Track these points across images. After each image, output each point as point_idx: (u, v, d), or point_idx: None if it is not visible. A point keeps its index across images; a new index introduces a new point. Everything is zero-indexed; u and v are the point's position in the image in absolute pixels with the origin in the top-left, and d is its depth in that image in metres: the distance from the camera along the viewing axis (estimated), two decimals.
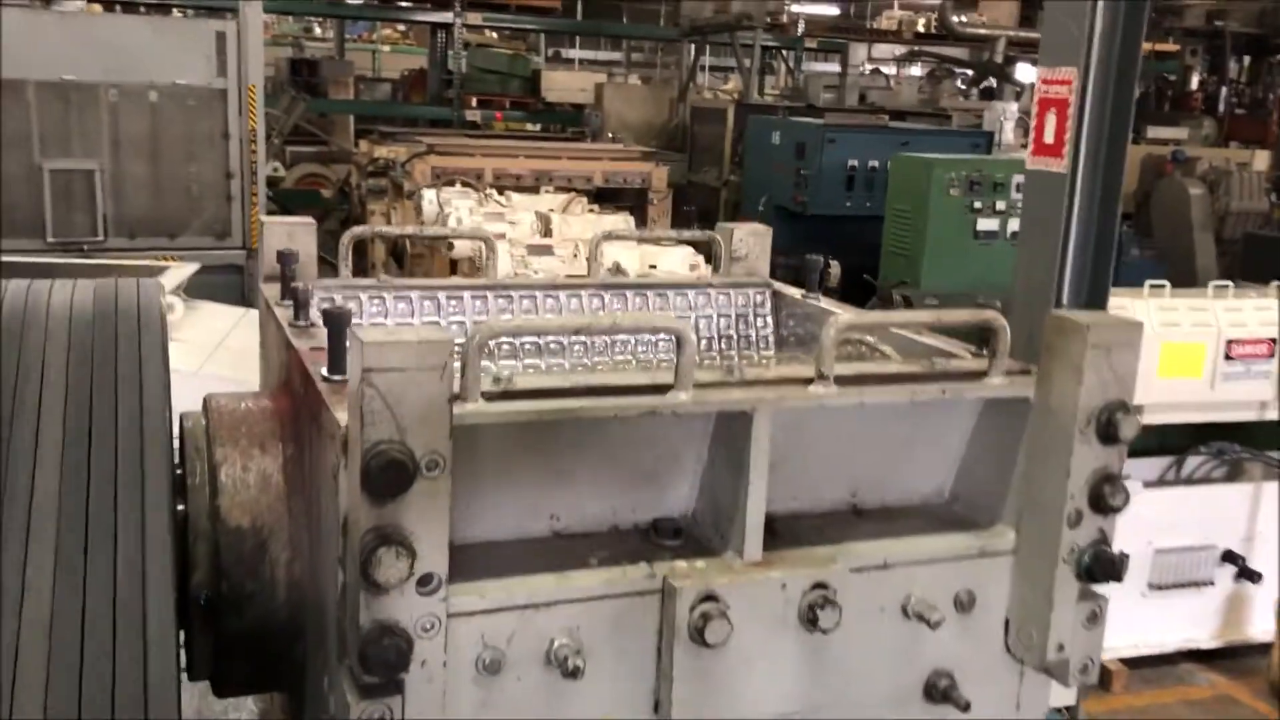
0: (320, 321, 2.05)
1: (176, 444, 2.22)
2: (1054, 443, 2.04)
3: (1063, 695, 3.70)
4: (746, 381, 1.96)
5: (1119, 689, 5.68)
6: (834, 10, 22.60)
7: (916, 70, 22.95)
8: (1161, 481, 6.30)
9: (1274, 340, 5.78)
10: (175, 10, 15.80)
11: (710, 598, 1.89)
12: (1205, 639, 6.01)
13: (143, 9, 15.27)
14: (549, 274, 6.71)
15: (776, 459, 2.00)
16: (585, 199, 9.45)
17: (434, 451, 1.64)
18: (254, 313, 4.38)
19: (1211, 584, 5.98)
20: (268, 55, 17.35)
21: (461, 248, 8.00)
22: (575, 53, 28.81)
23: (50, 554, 1.63)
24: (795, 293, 2.98)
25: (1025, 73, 15.93)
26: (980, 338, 2.23)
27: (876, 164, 10.71)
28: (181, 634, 2.09)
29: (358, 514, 1.63)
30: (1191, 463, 6.31)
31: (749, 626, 1.91)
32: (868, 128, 11.63)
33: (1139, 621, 5.77)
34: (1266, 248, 9.48)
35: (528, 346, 2.78)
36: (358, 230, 2.77)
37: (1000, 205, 8.91)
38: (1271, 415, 5.87)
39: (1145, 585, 5.98)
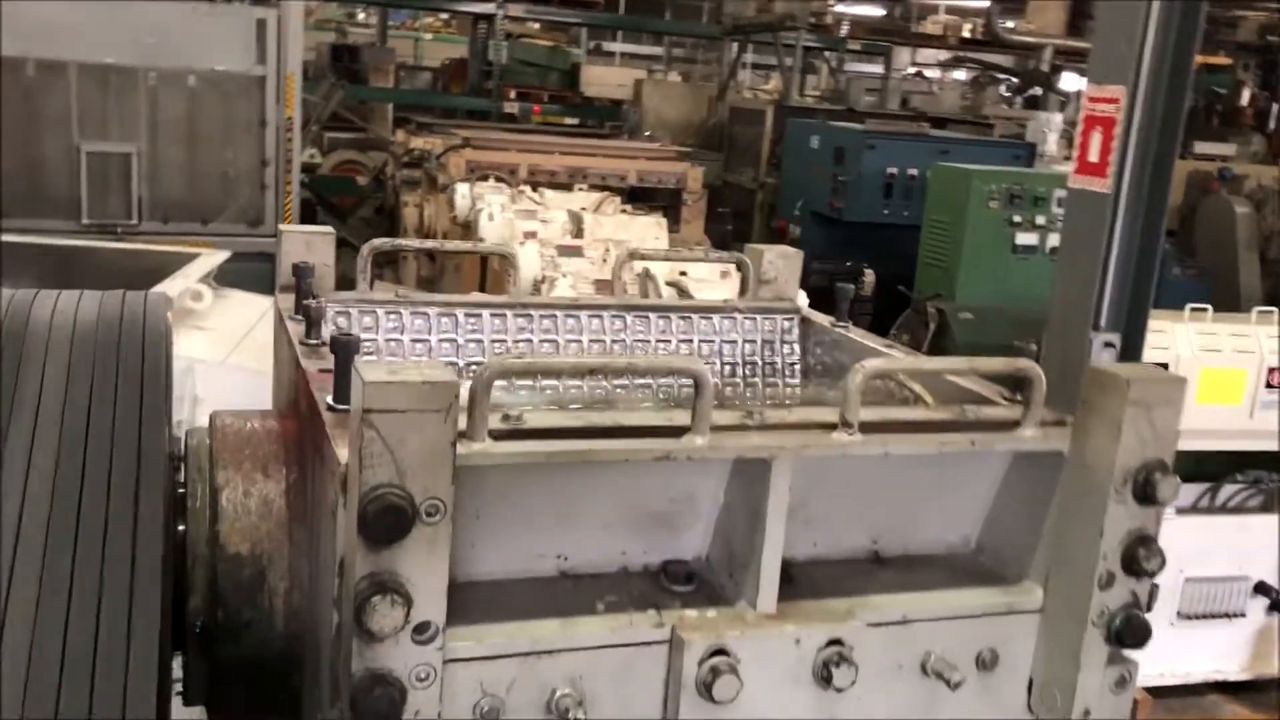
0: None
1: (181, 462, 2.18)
2: (1087, 500, 1.95)
3: None
4: (767, 426, 1.88)
5: (1143, 717, 5.57)
6: (879, 12, 22.38)
7: (960, 75, 22.72)
8: (1195, 508, 6.18)
9: None
10: None
11: (720, 651, 1.81)
12: (1234, 671, 5.89)
13: None
14: (577, 275, 6.64)
15: (796, 503, 1.92)
16: (619, 198, 9.37)
17: (434, 497, 1.57)
18: None
19: (1243, 615, 5.86)
20: (310, 40, 17.41)
21: (492, 245, 7.95)
22: (617, 46, 28.71)
23: (36, 577, 1.57)
24: (825, 320, 2.89)
25: (1071, 81, 15.72)
26: (1014, 382, 2.14)
27: (916, 172, 10.56)
28: (179, 657, 2.05)
29: (353, 558, 1.57)
30: (1226, 490, 6.18)
31: (760, 683, 1.83)
32: (908, 135, 11.49)
33: (1166, 650, 5.66)
34: None
35: None
36: (378, 242, 2.70)
37: (1040, 219, 8.76)
38: None
39: (1174, 614, 5.86)
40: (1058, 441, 1.99)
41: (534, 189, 9.35)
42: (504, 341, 2.69)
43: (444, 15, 25.30)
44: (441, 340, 2.66)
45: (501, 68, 17.23)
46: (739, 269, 3.00)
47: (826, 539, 2.11)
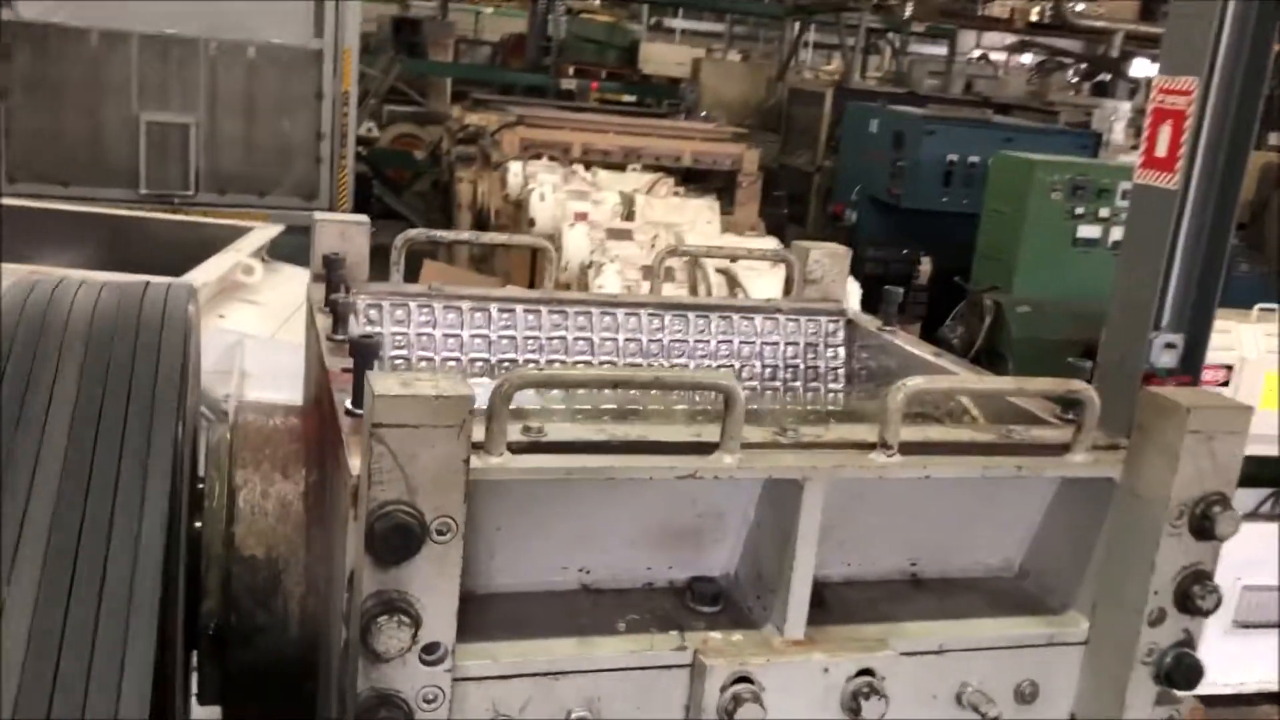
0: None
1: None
2: (1139, 532, 1.84)
3: None
4: (800, 444, 1.79)
5: None
6: None
7: (1027, 59, 22.24)
8: (1256, 514, 6.00)
9: None
10: None
11: (744, 679, 1.74)
12: None
13: None
14: (625, 261, 6.56)
15: (830, 523, 1.84)
16: (672, 180, 9.27)
17: (446, 515, 1.51)
18: None
19: None
20: (372, 11, 17.43)
21: (542, 225, 7.90)
22: (678, 23, 28.45)
23: (36, 576, 1.54)
24: (872, 323, 2.79)
25: (1142, 67, 15.32)
26: (1065, 400, 2.03)
27: (977, 159, 10.35)
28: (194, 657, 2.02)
29: (361, 574, 1.51)
30: None
31: (784, 712, 1.75)
32: (969, 121, 11.25)
33: (1220, 659, 5.50)
34: None
35: (578, 365, 2.64)
36: (411, 233, 2.64)
37: (1104, 212, 8.53)
38: None
39: (1230, 622, 5.70)
40: (1109, 468, 1.88)
41: (587, 168, 9.28)
42: (537, 338, 2.62)
43: None
44: (474, 335, 2.60)
45: (560, 43, 17.15)
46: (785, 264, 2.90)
47: (862, 559, 2.02)
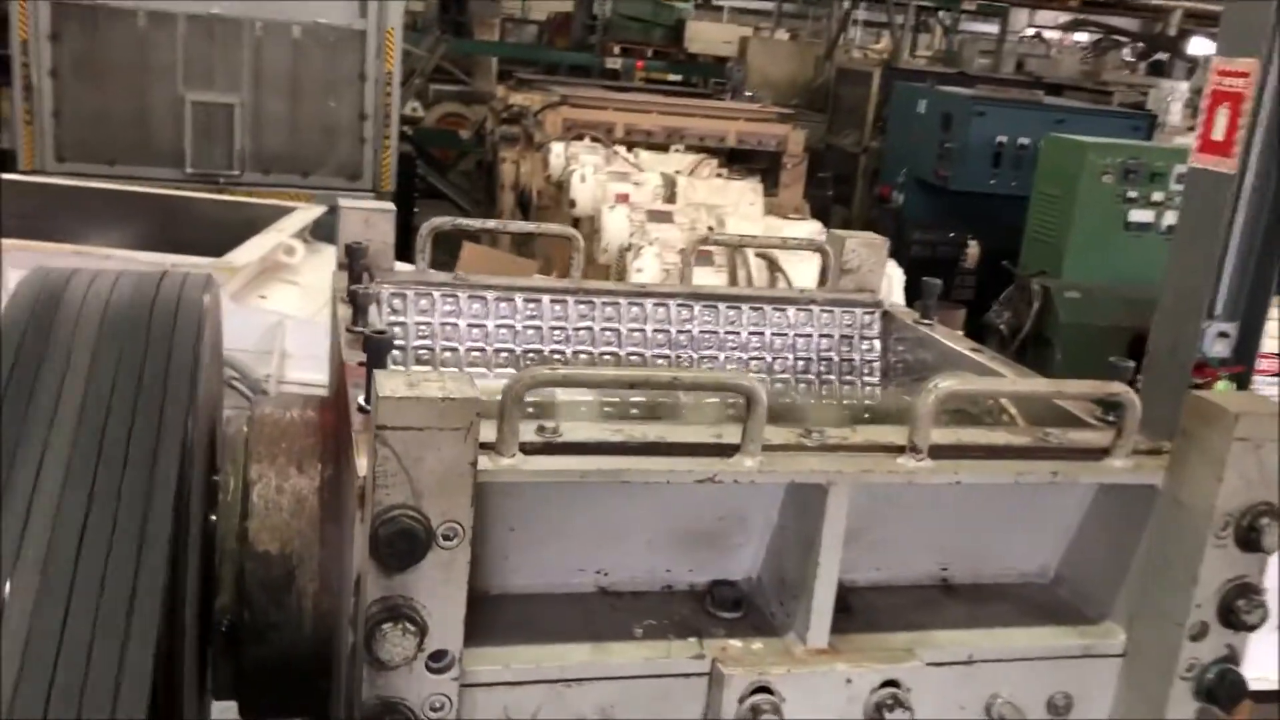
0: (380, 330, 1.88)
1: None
2: (1182, 542, 1.76)
3: None
4: (826, 447, 1.73)
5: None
6: None
7: (1081, 38, 21.78)
8: None
9: None
10: None
11: (763, 689, 1.68)
12: None
13: None
14: (664, 244, 6.49)
15: (857, 527, 1.77)
16: (715, 161, 9.17)
17: (452, 520, 1.46)
18: None
19: None
20: None
21: (583, 205, 7.85)
22: (725, 0, 28.16)
23: (37, 576, 1.51)
24: (908, 316, 2.70)
25: (1200, 46, 14.95)
26: (1106, 402, 1.94)
27: (1027, 141, 10.14)
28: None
29: (366, 580, 1.47)
30: None
31: None
32: (1019, 102, 11.01)
33: (1271, 654, 5.36)
34: None
35: (605, 356, 2.58)
36: (437, 221, 2.59)
37: (1157, 196, 8.32)
38: None
39: None
40: (1151, 475, 1.80)
41: (630, 149, 9.20)
42: (564, 329, 2.57)
43: None
44: (499, 326, 2.55)
45: (606, 22, 17.03)
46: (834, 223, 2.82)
47: (891, 564, 1.96)
